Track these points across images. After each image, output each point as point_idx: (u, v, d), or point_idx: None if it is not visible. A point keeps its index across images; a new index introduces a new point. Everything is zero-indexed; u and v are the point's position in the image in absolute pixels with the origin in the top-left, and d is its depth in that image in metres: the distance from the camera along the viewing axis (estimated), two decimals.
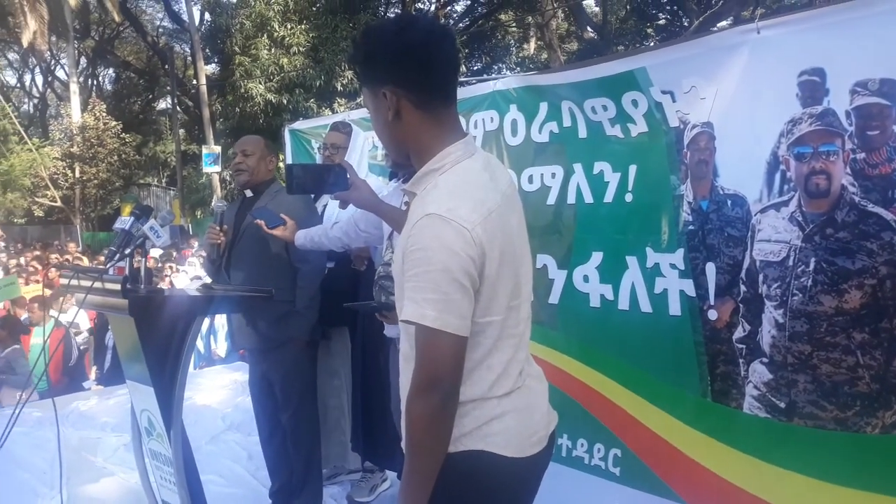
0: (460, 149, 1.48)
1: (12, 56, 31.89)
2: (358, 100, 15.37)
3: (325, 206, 3.31)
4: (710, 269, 3.00)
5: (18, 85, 34.53)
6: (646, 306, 3.23)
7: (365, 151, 3.37)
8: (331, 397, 3.34)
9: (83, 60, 30.59)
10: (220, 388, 5.77)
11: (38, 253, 12.56)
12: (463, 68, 24.22)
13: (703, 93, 2.95)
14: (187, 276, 9.36)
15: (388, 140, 1.57)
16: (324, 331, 3.06)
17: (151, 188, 28.48)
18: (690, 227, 3.07)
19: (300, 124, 5.45)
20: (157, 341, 2.37)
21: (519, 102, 3.76)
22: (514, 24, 26.54)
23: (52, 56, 29.26)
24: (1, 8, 18.78)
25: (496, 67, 26.97)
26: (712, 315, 2.98)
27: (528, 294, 1.56)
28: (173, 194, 28.00)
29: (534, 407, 1.55)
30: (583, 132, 3.46)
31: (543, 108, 3.61)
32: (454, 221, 1.35)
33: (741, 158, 2.80)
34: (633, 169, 3.28)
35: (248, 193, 3.13)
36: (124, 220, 2.42)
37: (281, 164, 4.09)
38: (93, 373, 7.64)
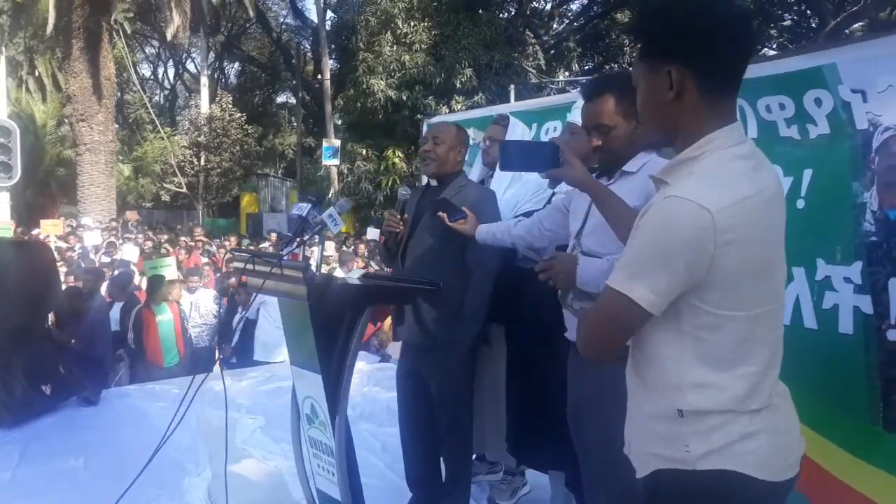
0: (722, 136, 1.38)
1: (149, 50, 33.98)
2: (476, 98, 15.38)
3: None
4: (894, 285, 2.76)
5: (152, 77, 36.63)
6: (811, 322, 2.99)
7: None
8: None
9: (211, 55, 32.12)
10: None
11: (167, 236, 13.24)
12: (575, 66, 23.94)
13: None
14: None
15: (655, 120, 1.47)
16: (485, 334, 3.00)
17: (269, 178, 29.52)
18: (872, 239, 2.82)
19: (439, 119, 5.45)
20: (328, 329, 2.37)
21: None
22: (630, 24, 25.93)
23: (184, 50, 30.88)
24: (146, 4, 19.99)
25: (608, 67, 26.53)
26: (893, 335, 2.73)
27: (782, 305, 1.46)
28: (290, 185, 28.95)
29: (788, 428, 1.45)
30: (753, 132, 3.24)
31: None
32: (694, 202, 1.27)
33: None
34: (807, 173, 3.05)
35: (433, 182, 3.05)
36: (301, 207, 2.44)
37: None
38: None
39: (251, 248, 10.66)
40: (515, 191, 3.17)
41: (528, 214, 2.96)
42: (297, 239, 2.37)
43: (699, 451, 1.35)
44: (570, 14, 27.49)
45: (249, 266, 2.46)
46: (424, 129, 5.38)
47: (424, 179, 5.31)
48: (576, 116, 2.73)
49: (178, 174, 22.11)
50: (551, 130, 4.07)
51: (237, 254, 2.74)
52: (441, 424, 2.99)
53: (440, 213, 2.69)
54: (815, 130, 3.03)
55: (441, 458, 3.12)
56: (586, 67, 25.54)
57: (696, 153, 1.38)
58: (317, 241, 2.40)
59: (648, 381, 1.44)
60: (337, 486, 2.52)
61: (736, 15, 1.37)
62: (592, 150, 2.15)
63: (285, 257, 2.39)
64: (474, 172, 3.33)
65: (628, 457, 1.55)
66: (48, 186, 23.61)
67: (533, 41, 19.99)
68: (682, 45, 1.37)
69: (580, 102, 2.67)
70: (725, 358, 1.35)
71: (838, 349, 2.94)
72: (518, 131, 3.26)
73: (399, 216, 3.00)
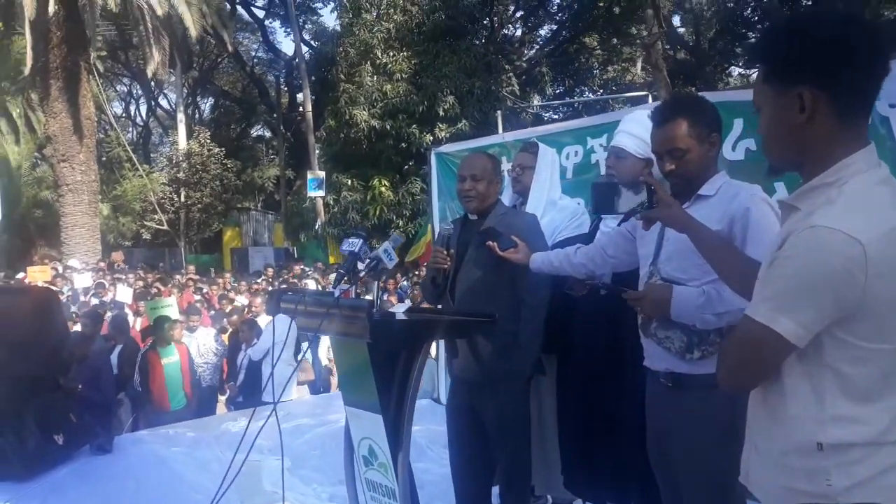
0: (860, 160, 1.34)
1: (120, 88, 33.79)
2: (459, 125, 15.45)
3: None
4: None
5: (124, 115, 36.38)
6: None
7: (556, 170, 3.27)
8: None
9: (184, 90, 32.02)
10: None
11: (159, 275, 13.05)
12: (549, 91, 24.22)
13: None
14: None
15: (783, 145, 1.42)
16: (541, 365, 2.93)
17: (251, 212, 29.33)
18: None
19: (447, 148, 5.47)
20: (388, 367, 2.32)
21: None
22: (598, 48, 26.38)
23: (160, 86, 30.79)
24: (120, 42, 19.91)
25: (579, 90, 26.88)
26: None
27: None
28: (272, 218, 28.77)
29: None
30: None
31: (738, 124, 3.42)
32: (843, 233, 1.23)
33: None
34: None
35: (472, 216, 3.00)
36: (353, 243, 2.39)
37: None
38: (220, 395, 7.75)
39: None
40: (552, 217, 3.14)
41: (567, 242, 2.93)
42: (350, 275, 2.32)
43: (842, 485, 1.31)
44: (539, 40, 27.88)
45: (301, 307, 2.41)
46: (433, 159, 5.36)
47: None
48: (618, 140, 2.72)
49: (159, 211, 21.90)
50: (572, 155, 4.08)
51: (286, 294, 2.68)
52: (498, 460, 2.92)
53: (489, 243, 2.64)
54: None
55: (491, 491, 3.06)
56: (558, 91, 25.85)
57: (831, 178, 1.34)
58: (373, 277, 2.35)
59: (782, 414, 1.39)
60: None
61: (870, 32, 1.33)
62: (666, 174, 2.13)
63: (338, 295, 2.34)
64: (504, 199, 3.31)
65: (745, 485, 1.50)
66: (26, 229, 23.23)
67: (507, 67, 20.20)
68: (816, 66, 1.32)
69: (630, 126, 2.65)
70: (869, 391, 1.31)
71: None
72: (548, 157, 3.25)
73: (445, 252, 2.94)
